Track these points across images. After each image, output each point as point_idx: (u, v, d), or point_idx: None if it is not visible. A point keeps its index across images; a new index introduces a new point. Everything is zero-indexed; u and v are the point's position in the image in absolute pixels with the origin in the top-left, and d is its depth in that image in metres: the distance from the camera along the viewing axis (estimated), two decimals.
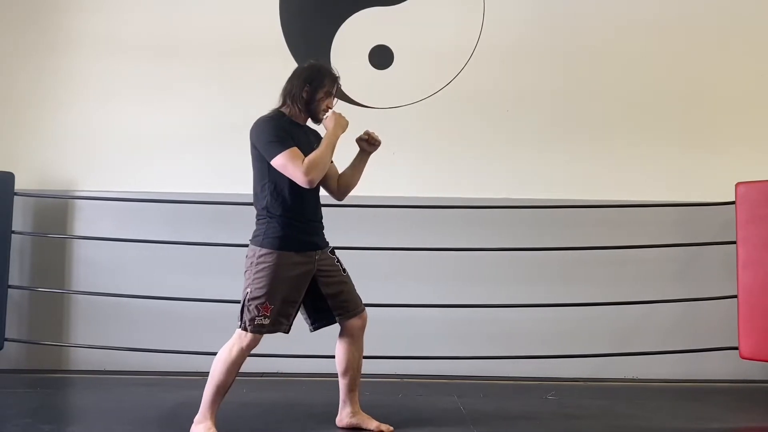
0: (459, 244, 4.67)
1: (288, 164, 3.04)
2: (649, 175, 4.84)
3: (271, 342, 4.60)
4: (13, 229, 4.55)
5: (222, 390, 3.15)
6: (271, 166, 3.10)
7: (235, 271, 4.69)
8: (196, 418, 3.17)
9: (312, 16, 4.95)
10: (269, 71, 4.83)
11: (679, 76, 4.92)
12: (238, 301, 4.52)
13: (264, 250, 3.13)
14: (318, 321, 3.34)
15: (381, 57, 4.90)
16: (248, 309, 3.13)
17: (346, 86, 4.79)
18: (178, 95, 4.88)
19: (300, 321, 4.65)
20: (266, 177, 3.16)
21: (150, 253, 4.70)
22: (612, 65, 4.92)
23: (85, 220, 4.80)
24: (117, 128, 4.86)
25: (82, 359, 4.72)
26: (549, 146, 4.87)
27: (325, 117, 3.21)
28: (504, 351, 4.60)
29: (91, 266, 4.77)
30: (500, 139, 4.89)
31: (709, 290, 4.61)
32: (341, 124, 3.19)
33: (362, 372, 3.42)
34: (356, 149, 3.35)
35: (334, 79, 3.21)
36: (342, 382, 3.35)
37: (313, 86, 3.15)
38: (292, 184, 3.11)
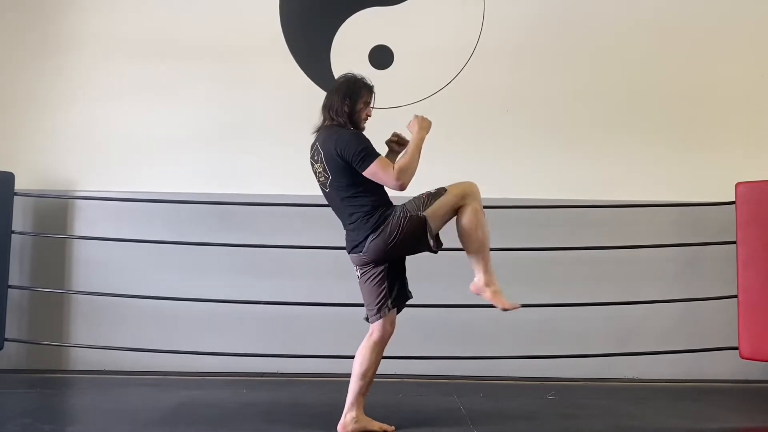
0: (458, 244, 4.65)
1: (379, 172, 3.20)
2: (650, 175, 4.84)
3: (270, 342, 4.63)
4: (13, 229, 4.55)
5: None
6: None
7: (236, 271, 4.73)
8: None
9: (312, 16, 4.95)
10: (269, 71, 4.88)
11: (679, 77, 4.92)
12: (238, 301, 4.57)
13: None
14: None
15: (381, 57, 4.90)
16: None
17: None
18: (178, 95, 4.88)
19: (299, 322, 4.68)
20: (361, 184, 3.26)
21: (150, 253, 4.70)
22: (612, 65, 4.93)
23: (85, 220, 4.80)
24: (117, 128, 4.86)
25: (82, 359, 4.72)
26: (549, 146, 4.87)
27: (364, 127, 3.36)
28: (504, 351, 4.60)
29: (91, 266, 4.77)
30: (500, 139, 4.89)
31: (709, 290, 4.61)
32: (424, 126, 3.38)
33: None
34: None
35: (370, 89, 3.38)
36: (357, 384, 3.32)
37: (352, 99, 3.33)
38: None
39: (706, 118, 4.91)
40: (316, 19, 4.95)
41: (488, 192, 4.75)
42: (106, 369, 4.65)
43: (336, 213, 3.38)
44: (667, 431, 3.56)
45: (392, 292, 3.31)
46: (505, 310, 3.30)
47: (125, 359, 4.61)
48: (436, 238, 3.29)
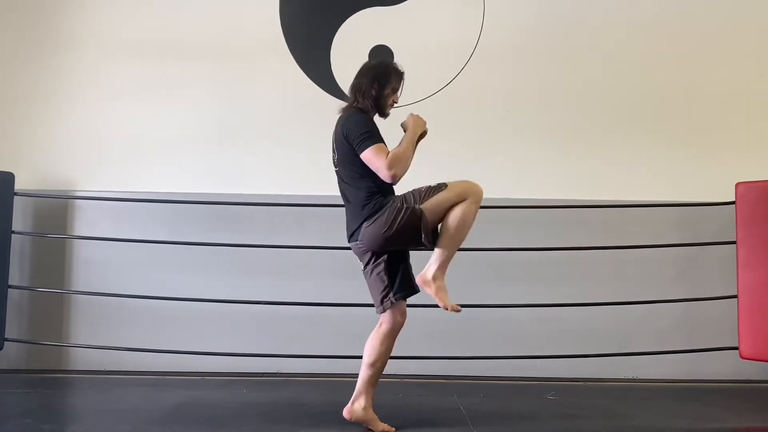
0: None
1: (374, 159, 3.17)
2: (650, 175, 4.84)
3: (271, 342, 4.63)
4: (13, 229, 4.55)
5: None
6: None
7: (236, 271, 4.73)
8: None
9: (312, 16, 4.96)
10: (269, 71, 4.88)
11: (679, 77, 4.92)
12: (239, 301, 4.57)
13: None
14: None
15: (381, 57, 4.89)
16: None
17: (345, 86, 4.85)
18: (178, 95, 4.88)
19: (308, 323, 4.68)
20: (365, 167, 3.24)
21: (150, 253, 4.70)
22: (612, 65, 4.92)
23: (85, 220, 4.80)
24: (117, 128, 4.87)
25: (82, 359, 4.72)
26: (549, 146, 4.87)
27: (389, 113, 3.36)
28: (504, 351, 4.60)
29: (91, 266, 4.77)
30: (500, 139, 4.89)
31: (709, 290, 4.61)
32: (420, 124, 3.36)
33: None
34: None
35: (400, 75, 3.38)
36: (365, 373, 3.34)
37: (381, 83, 3.32)
38: None
39: (706, 118, 4.91)
40: (316, 19, 4.95)
41: (488, 192, 4.73)
42: (106, 369, 4.65)
43: (341, 195, 3.37)
44: (667, 431, 3.56)
45: (394, 284, 3.28)
46: (445, 309, 3.24)
47: (125, 359, 4.61)
48: (433, 233, 3.25)
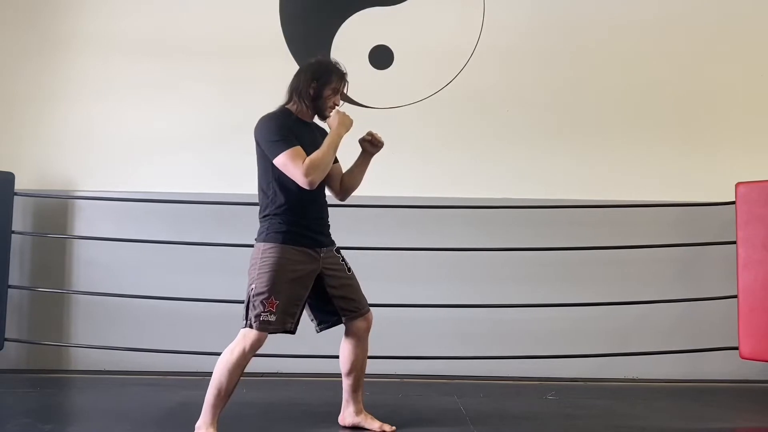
0: (459, 244, 4.67)
1: (288, 164, 2.98)
2: (649, 175, 4.84)
3: (271, 342, 4.62)
4: (13, 229, 4.55)
5: (223, 394, 3.07)
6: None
7: (236, 271, 4.69)
8: (198, 423, 3.10)
9: (312, 16, 4.96)
10: (269, 71, 4.87)
11: (679, 76, 4.92)
12: (239, 301, 4.55)
13: (268, 245, 3.08)
14: (324, 321, 3.31)
15: (381, 57, 4.90)
16: (253, 305, 3.03)
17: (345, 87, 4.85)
18: (178, 95, 4.88)
19: (304, 320, 4.67)
20: (270, 175, 3.09)
21: (150, 253, 4.69)
22: (612, 65, 4.93)
23: (85, 220, 4.80)
24: (117, 128, 4.86)
25: (82, 359, 4.72)
26: (549, 146, 4.87)
27: (329, 115, 3.14)
28: (504, 351, 4.60)
29: (91, 266, 4.77)
30: (500, 139, 4.89)
31: (709, 290, 4.61)
32: (345, 123, 3.11)
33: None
34: (360, 149, 3.32)
35: (342, 76, 3.14)
36: (346, 382, 3.34)
37: (320, 82, 3.10)
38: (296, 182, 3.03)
39: (706, 117, 4.91)
40: (316, 19, 4.95)
41: (488, 192, 4.81)
42: (106, 369, 4.65)
43: None
44: (667, 431, 3.56)
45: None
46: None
47: (125, 359, 4.61)
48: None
